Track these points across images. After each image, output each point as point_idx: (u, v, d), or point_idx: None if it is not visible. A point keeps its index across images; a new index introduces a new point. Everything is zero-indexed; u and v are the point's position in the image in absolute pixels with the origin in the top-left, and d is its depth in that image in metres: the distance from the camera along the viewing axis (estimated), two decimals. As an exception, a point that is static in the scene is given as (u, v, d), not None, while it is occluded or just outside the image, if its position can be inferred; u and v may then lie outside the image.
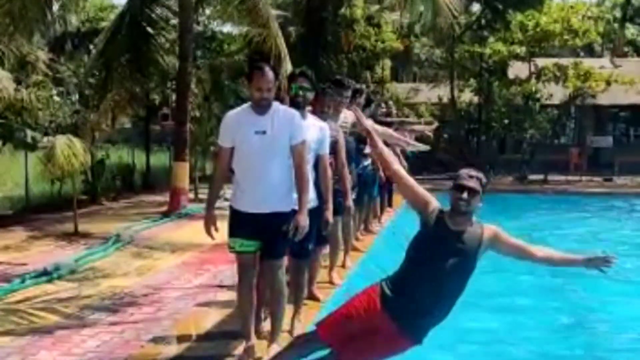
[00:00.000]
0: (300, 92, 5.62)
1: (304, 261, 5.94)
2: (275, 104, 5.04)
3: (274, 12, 15.53)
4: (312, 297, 6.88)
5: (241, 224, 5.10)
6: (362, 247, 9.92)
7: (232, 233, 5.16)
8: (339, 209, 6.97)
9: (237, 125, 5.03)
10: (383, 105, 12.91)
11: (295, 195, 5.12)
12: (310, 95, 5.74)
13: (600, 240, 12.64)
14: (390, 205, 13.60)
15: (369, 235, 10.97)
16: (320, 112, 6.30)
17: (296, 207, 5.10)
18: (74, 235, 10.71)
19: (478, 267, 4.31)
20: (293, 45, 18.21)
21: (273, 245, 5.12)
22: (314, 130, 5.72)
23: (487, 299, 7.67)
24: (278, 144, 4.97)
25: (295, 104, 5.62)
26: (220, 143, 5.15)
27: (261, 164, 4.96)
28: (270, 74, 4.93)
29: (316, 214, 5.77)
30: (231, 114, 5.18)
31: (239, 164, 5.07)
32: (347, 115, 7.48)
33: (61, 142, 10.28)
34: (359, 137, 8.07)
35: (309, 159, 5.68)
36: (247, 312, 5.22)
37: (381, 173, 10.01)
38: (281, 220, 5.06)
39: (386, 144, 10.07)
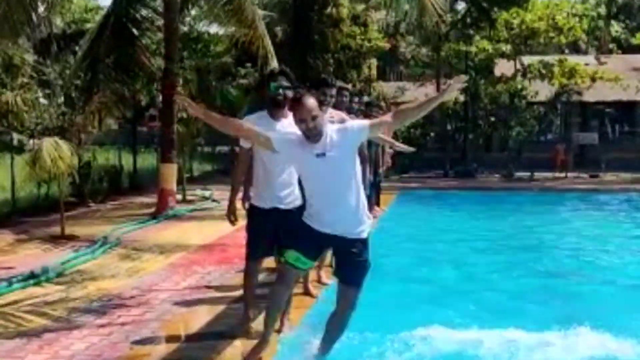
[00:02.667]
0: (280, 91, 5.66)
1: None
2: (327, 128, 4.82)
3: (260, 12, 15.52)
4: (308, 293, 7.00)
5: (308, 239, 4.95)
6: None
7: (293, 244, 5.00)
8: None
9: (294, 147, 4.86)
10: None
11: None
12: (290, 94, 5.75)
13: (584, 235, 12.74)
14: (378, 204, 13.63)
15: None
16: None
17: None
18: (61, 238, 10.67)
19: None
20: (279, 45, 18.21)
21: (353, 272, 5.04)
22: (294, 127, 5.75)
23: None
24: (342, 164, 4.81)
25: (276, 102, 5.67)
26: (266, 142, 4.95)
27: (331, 187, 4.80)
28: (309, 101, 4.74)
29: (302, 213, 5.84)
30: (287, 136, 5.00)
31: (306, 184, 5.02)
32: (333, 115, 7.51)
33: (47, 145, 10.25)
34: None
35: None
36: (279, 308, 5.24)
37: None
38: (357, 247, 4.94)
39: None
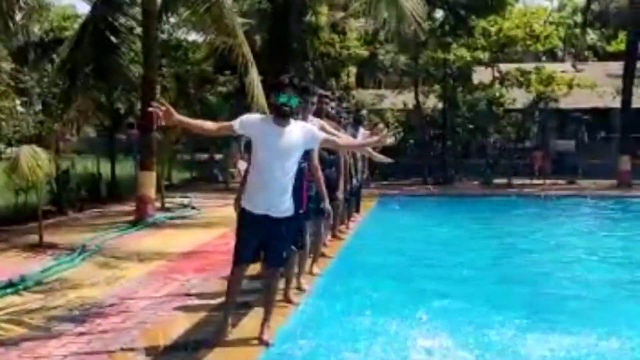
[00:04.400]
0: (288, 102, 5.66)
1: (278, 269, 6.05)
2: None
3: (239, 20, 15.52)
4: (288, 300, 7.01)
5: None
6: (330, 253, 9.98)
7: None
8: (309, 215, 7.18)
9: None
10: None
11: None
12: (296, 103, 5.76)
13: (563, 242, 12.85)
14: (357, 211, 13.68)
15: (337, 241, 11.04)
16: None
17: None
18: (40, 246, 10.61)
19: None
20: (258, 53, 18.22)
21: None
22: (298, 132, 5.77)
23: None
24: None
25: (281, 113, 5.67)
26: None
27: None
28: None
29: (292, 222, 5.95)
30: None
31: None
32: (313, 121, 7.55)
33: (25, 153, 10.18)
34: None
35: (293, 167, 5.80)
36: None
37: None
38: None
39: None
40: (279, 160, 5.68)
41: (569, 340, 6.17)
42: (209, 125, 5.86)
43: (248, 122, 5.73)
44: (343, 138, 6.89)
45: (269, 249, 5.87)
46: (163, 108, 5.38)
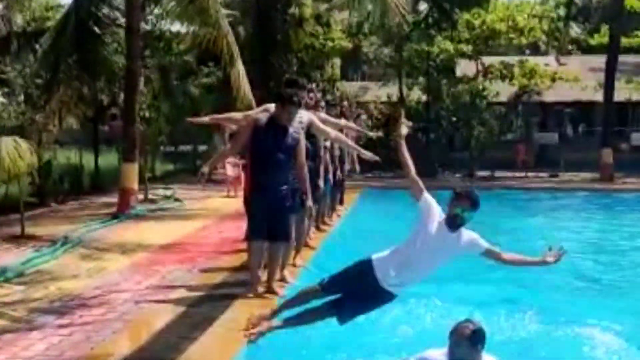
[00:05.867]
0: (461, 214, 5.31)
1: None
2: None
3: (223, 11, 15.46)
4: (272, 291, 7.05)
5: None
6: (313, 244, 10.01)
7: None
8: (294, 208, 7.22)
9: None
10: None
11: None
12: (469, 218, 5.36)
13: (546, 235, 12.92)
14: (341, 203, 13.71)
15: (320, 233, 11.06)
16: (286, 120, 6.76)
17: None
18: (21, 238, 10.54)
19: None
20: (242, 45, 18.17)
21: None
22: (465, 242, 5.46)
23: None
24: None
25: (453, 223, 5.33)
26: None
27: None
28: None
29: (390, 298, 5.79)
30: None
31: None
32: (302, 116, 7.57)
33: (7, 144, 10.11)
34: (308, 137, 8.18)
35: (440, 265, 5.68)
36: None
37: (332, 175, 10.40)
38: None
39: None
40: (431, 259, 5.39)
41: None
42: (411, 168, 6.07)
43: (430, 210, 5.51)
44: (505, 254, 6.06)
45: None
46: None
